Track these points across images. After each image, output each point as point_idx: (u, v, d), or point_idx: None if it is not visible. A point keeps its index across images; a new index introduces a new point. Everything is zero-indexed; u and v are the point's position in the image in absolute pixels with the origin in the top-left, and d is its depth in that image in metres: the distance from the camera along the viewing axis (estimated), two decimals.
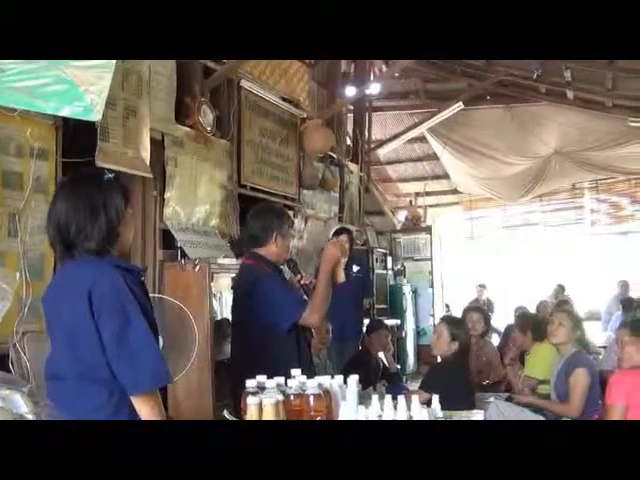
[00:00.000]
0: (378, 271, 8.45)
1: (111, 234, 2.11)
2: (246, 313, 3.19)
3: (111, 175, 2.18)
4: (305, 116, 6.36)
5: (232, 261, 4.71)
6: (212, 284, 4.37)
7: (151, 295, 3.71)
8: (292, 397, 2.24)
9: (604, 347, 6.69)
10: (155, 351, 2.05)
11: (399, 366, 7.18)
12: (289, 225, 3.30)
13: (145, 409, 2.00)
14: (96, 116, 3.03)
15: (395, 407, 2.22)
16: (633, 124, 8.56)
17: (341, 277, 3.23)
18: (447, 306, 10.14)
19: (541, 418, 4.10)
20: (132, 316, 2.01)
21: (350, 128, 8.62)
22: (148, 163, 4.08)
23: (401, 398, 2.22)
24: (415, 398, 2.26)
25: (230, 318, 3.49)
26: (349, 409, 2.24)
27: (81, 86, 2.98)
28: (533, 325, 4.87)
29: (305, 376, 2.35)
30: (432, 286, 9.72)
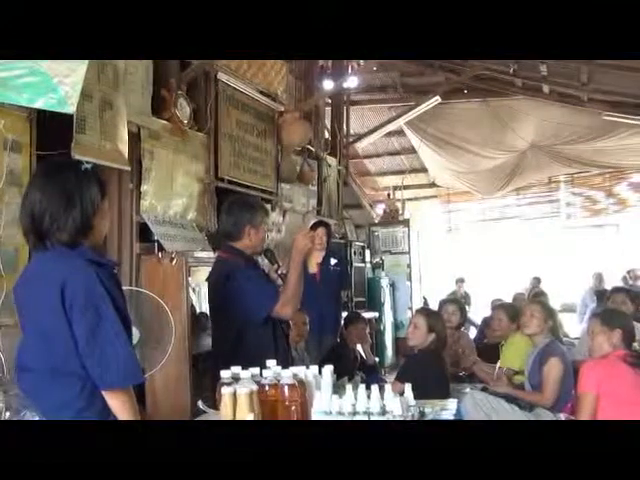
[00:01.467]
0: (356, 264, 8.48)
1: (85, 226, 2.08)
2: (220, 306, 3.21)
3: (88, 166, 2.15)
4: (283, 109, 6.35)
5: (209, 254, 4.70)
6: (190, 278, 4.37)
7: (128, 288, 3.75)
8: (267, 387, 2.25)
9: (579, 339, 6.78)
10: (127, 349, 2.03)
11: (377, 358, 7.21)
12: (262, 217, 3.27)
13: (115, 403, 2.00)
14: (70, 108, 3.02)
15: (369, 397, 2.24)
16: (608, 118, 8.67)
17: (312, 267, 3.23)
18: (425, 299, 10.21)
19: (516, 408, 4.17)
20: (104, 314, 1.99)
21: (328, 121, 8.63)
22: (127, 156, 4.07)
23: (375, 388, 2.24)
24: (388, 387, 2.28)
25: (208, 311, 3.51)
26: (323, 399, 2.26)
27: (55, 78, 2.96)
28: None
29: (280, 367, 2.37)
30: (410, 279, 9.78)
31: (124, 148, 4.03)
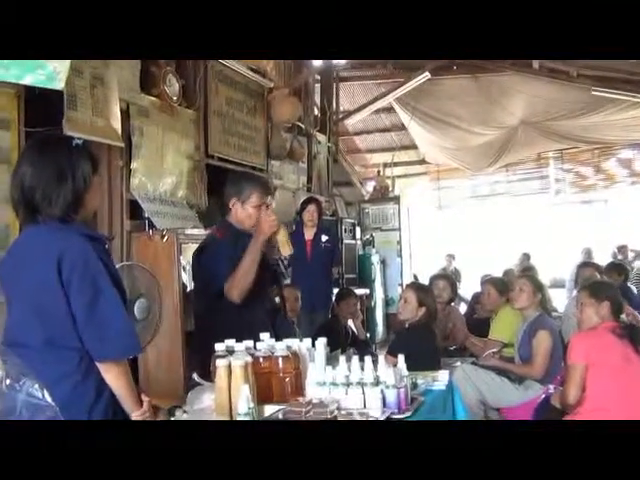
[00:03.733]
0: (347, 241, 8.49)
1: (76, 201, 2.08)
2: (194, 280, 3.27)
3: (79, 141, 2.14)
4: (272, 86, 6.32)
5: (200, 232, 4.70)
6: (181, 255, 4.37)
7: (121, 264, 3.75)
8: (261, 359, 2.28)
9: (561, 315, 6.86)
10: (126, 321, 2.06)
11: (368, 334, 7.27)
12: (251, 190, 3.16)
13: (111, 375, 2.01)
14: (59, 84, 2.99)
15: (362, 368, 2.27)
16: (597, 93, 8.67)
17: (286, 249, 3.07)
18: (415, 276, 10.25)
19: (505, 380, 4.23)
20: (103, 286, 2.01)
21: (318, 98, 8.59)
22: (120, 133, 4.05)
23: (368, 359, 2.27)
24: (381, 358, 2.31)
25: None
26: (317, 370, 2.29)
27: None
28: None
29: (274, 339, 2.40)
30: (400, 256, 9.80)
31: (117, 124, 4.01)
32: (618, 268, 6.50)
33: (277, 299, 3.23)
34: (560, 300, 8.31)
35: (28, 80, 2.95)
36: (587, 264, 6.48)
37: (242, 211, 3.17)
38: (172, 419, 2.05)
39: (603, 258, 9.52)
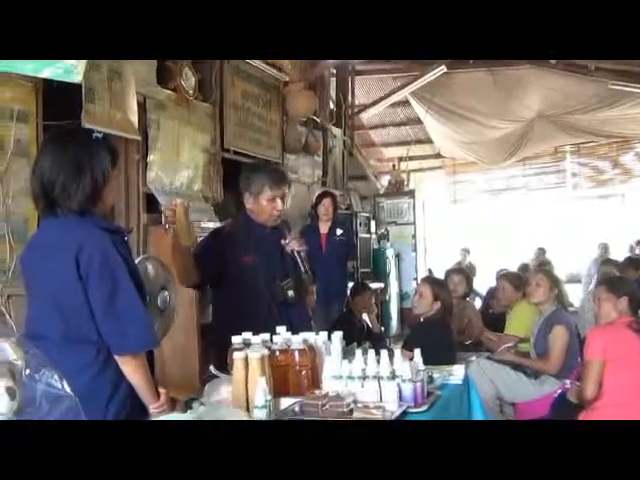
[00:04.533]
0: (362, 235, 8.48)
1: (95, 194, 2.08)
2: None
3: (99, 134, 2.14)
4: (288, 79, 6.31)
5: (216, 225, 4.71)
6: None
7: (142, 257, 3.76)
8: (277, 352, 2.28)
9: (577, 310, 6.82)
10: (143, 315, 2.06)
11: (383, 328, 7.26)
12: (262, 183, 3.11)
13: (128, 368, 2.03)
14: (77, 77, 3.00)
15: (378, 362, 2.27)
16: (614, 87, 8.59)
17: (185, 239, 2.97)
18: (430, 270, 10.22)
19: (521, 375, 4.21)
20: (121, 280, 2.01)
21: (333, 92, 8.57)
22: (137, 126, 4.06)
23: (384, 352, 2.27)
24: (397, 352, 2.31)
25: None
26: (333, 364, 2.29)
27: None
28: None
29: (290, 332, 2.40)
30: (415, 250, 9.78)
31: (134, 118, 4.02)
32: (635, 263, 6.44)
33: (291, 293, 3.17)
34: (576, 295, 8.25)
35: (46, 73, 2.96)
36: (609, 261, 6.42)
37: (256, 205, 3.14)
38: (189, 411, 2.06)
39: (620, 253, 9.44)
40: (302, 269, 3.13)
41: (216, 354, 2.85)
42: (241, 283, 3.06)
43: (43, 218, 2.17)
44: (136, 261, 3.64)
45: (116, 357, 2.02)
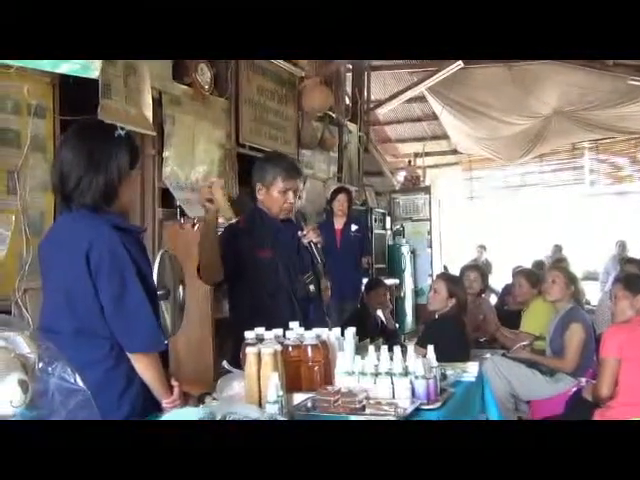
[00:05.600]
0: (377, 231, 8.47)
1: (109, 192, 2.05)
2: None
3: (122, 132, 2.10)
4: (303, 75, 6.31)
5: (231, 220, 4.72)
6: None
7: (161, 251, 3.78)
8: (290, 348, 2.28)
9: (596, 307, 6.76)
10: (150, 318, 2.04)
11: (397, 325, 7.25)
12: (275, 175, 3.06)
13: (139, 365, 2.04)
14: (94, 73, 3.03)
15: (391, 358, 2.26)
16: (634, 82, 8.49)
17: (226, 212, 2.90)
18: (445, 267, 10.19)
19: (537, 373, 4.18)
20: (129, 282, 2.00)
21: (349, 87, 8.55)
22: (151, 122, 4.07)
23: (397, 349, 2.26)
24: (411, 349, 2.30)
25: None
26: (346, 360, 2.28)
27: None
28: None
29: (303, 328, 2.40)
30: (430, 246, 9.75)
31: (149, 113, 4.03)
32: None
33: (312, 287, 3.16)
34: (593, 293, 8.19)
35: (64, 69, 2.99)
36: (632, 261, 6.34)
37: (268, 196, 3.10)
38: (202, 406, 2.06)
39: (638, 251, 9.35)
40: (317, 260, 3.09)
41: (233, 349, 2.83)
42: (260, 278, 3.02)
43: (60, 211, 2.16)
44: (157, 255, 3.69)
45: (128, 354, 2.03)
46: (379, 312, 5.77)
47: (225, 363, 2.40)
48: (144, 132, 4.04)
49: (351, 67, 8.56)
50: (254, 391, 2.12)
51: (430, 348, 2.40)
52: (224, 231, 3.18)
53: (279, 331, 2.37)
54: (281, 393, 1.99)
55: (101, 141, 2.06)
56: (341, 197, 6.37)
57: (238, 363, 2.36)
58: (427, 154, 11.38)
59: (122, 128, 2.13)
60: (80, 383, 1.47)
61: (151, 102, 4.08)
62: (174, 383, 2.12)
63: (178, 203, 4.39)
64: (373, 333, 5.24)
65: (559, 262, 7.60)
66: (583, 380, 4.01)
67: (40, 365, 1.39)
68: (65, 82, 3.41)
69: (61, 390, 1.42)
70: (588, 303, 6.38)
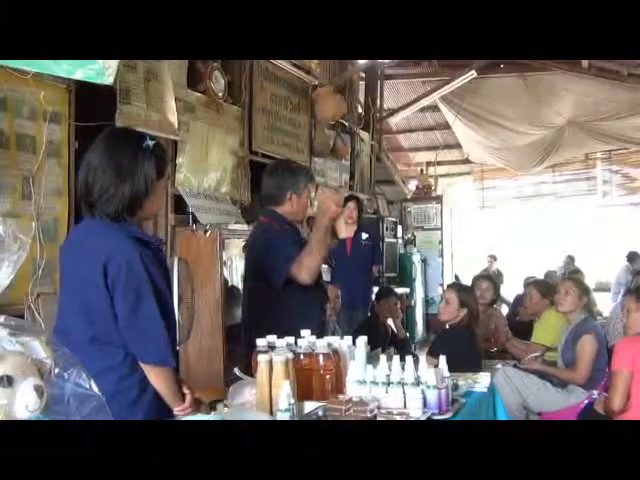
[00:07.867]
0: (388, 240, 8.47)
1: (133, 203, 2.03)
2: (250, 269, 3.20)
3: (150, 142, 2.07)
4: (316, 83, 6.33)
5: (243, 227, 4.74)
6: (223, 250, 4.41)
7: (177, 258, 3.79)
8: (302, 356, 2.28)
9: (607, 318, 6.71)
10: (161, 336, 2.03)
11: (407, 334, 7.23)
12: (305, 183, 3.13)
13: (151, 375, 2.04)
14: (108, 79, 3.04)
15: (403, 368, 2.26)
16: None
17: (343, 232, 2.95)
18: (456, 276, 10.17)
19: (548, 384, 4.16)
20: (144, 297, 1.99)
21: (362, 96, 8.57)
22: (176, 126, 4.08)
23: (409, 358, 2.26)
24: (422, 358, 2.30)
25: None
26: (357, 368, 2.28)
27: None
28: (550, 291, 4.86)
29: (314, 336, 2.40)
30: (442, 256, 9.75)
31: (173, 118, 4.05)
32: None
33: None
34: (604, 304, 8.14)
35: (78, 75, 3.01)
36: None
37: (299, 203, 3.14)
38: (213, 413, 2.07)
39: None
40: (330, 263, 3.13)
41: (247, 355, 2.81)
42: (296, 283, 2.96)
43: (83, 216, 2.13)
44: (175, 260, 3.70)
45: (140, 364, 2.04)
46: (389, 321, 5.76)
47: (237, 370, 2.40)
48: (168, 137, 4.05)
49: (364, 75, 8.58)
50: (265, 399, 2.11)
51: (442, 358, 2.39)
52: (266, 230, 3.13)
53: (291, 339, 2.37)
54: (292, 401, 1.99)
55: (128, 151, 2.04)
56: (350, 205, 6.35)
57: (249, 365, 2.37)
58: (439, 163, 11.39)
59: (152, 138, 2.11)
60: (95, 389, 1.48)
61: (175, 107, 4.09)
62: (186, 391, 2.12)
63: (191, 209, 4.41)
64: (383, 342, 5.23)
65: (573, 274, 7.55)
66: (595, 392, 3.98)
67: (56, 370, 1.39)
68: (80, 88, 3.44)
69: (76, 396, 1.42)
70: (600, 314, 6.33)
